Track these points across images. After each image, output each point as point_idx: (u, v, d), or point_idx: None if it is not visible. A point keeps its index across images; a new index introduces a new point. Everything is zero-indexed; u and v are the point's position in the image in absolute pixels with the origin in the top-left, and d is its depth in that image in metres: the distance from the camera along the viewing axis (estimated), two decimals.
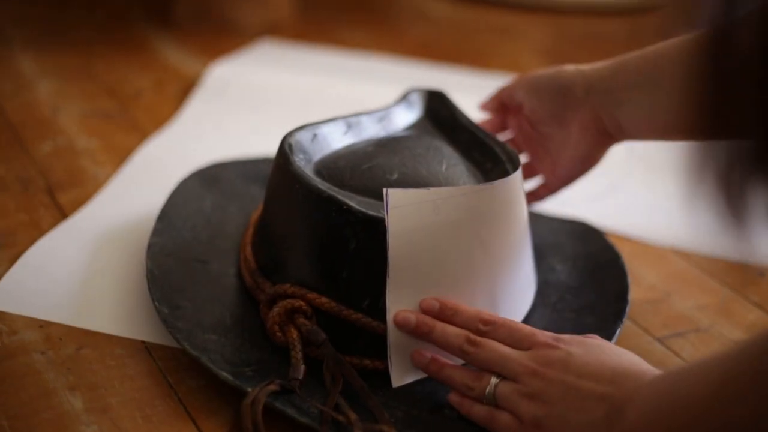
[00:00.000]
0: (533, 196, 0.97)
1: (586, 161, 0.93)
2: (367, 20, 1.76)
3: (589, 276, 0.93)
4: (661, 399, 0.65)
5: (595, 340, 0.73)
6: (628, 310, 0.88)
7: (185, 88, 1.39)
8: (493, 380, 0.73)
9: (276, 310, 0.79)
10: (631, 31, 1.77)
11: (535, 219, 1.02)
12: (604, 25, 1.80)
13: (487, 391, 0.73)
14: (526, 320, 0.87)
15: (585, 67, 0.90)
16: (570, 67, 0.91)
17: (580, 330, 0.83)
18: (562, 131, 0.91)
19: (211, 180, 1.04)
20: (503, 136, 0.98)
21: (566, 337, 0.73)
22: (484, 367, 0.74)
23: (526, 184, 0.94)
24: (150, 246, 0.91)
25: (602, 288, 0.91)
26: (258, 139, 1.20)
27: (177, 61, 1.49)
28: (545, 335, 0.74)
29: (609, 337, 0.83)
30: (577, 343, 0.72)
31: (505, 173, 0.84)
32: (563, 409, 0.69)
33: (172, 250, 0.91)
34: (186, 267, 0.90)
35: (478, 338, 0.75)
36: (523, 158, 0.97)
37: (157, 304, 0.83)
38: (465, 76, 1.51)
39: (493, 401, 0.73)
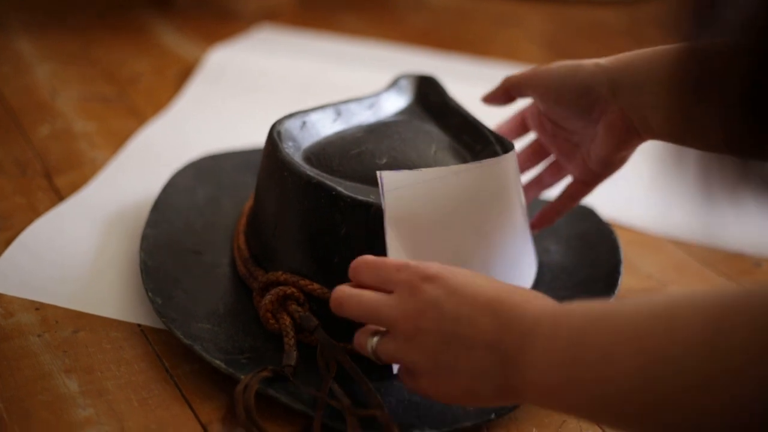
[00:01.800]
0: (568, 198, 0.91)
1: (616, 160, 0.86)
2: (365, 7, 1.76)
3: (583, 254, 0.94)
4: (566, 351, 0.59)
5: (463, 272, 0.67)
6: (620, 281, 0.88)
7: (184, 72, 1.38)
8: (373, 340, 0.69)
9: (268, 297, 0.79)
10: (631, 20, 1.77)
11: (532, 203, 1.03)
12: (603, 14, 1.79)
13: (369, 351, 0.70)
14: None
15: (603, 61, 0.82)
16: (588, 62, 0.83)
17: None
18: (587, 129, 0.85)
19: (204, 171, 1.04)
20: (525, 140, 0.94)
21: (433, 269, 0.67)
22: (361, 322, 0.71)
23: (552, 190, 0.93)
24: (143, 237, 0.91)
25: (596, 264, 0.91)
26: (256, 124, 1.20)
27: (176, 46, 1.49)
28: (409, 271, 0.68)
29: None
30: (443, 280, 0.66)
31: (495, 154, 0.84)
32: (450, 358, 0.65)
33: (165, 242, 0.91)
34: (179, 258, 0.90)
35: (343, 292, 0.71)
36: (550, 159, 0.94)
37: (150, 294, 0.83)
38: (463, 63, 1.51)
39: (380, 360, 0.70)
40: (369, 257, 0.71)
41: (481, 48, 1.59)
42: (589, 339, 0.58)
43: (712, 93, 0.52)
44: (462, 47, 1.58)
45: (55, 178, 1.07)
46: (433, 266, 0.67)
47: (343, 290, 0.71)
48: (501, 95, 0.90)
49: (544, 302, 0.64)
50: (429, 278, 0.67)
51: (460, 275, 0.67)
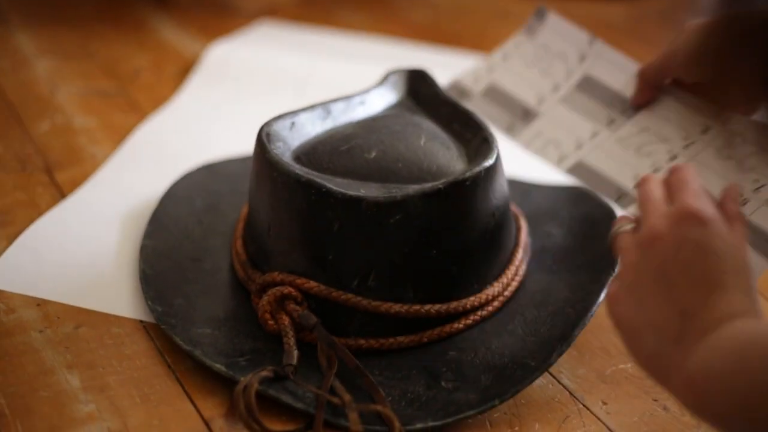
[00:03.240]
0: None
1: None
2: (365, 2, 1.76)
3: (584, 236, 0.94)
4: (731, 356, 0.60)
5: (728, 238, 0.65)
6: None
7: (184, 68, 1.38)
8: (624, 227, 0.70)
9: (266, 298, 0.79)
10: (632, 16, 1.77)
11: (531, 189, 1.03)
12: (603, 9, 1.79)
13: (613, 231, 0.71)
14: (522, 286, 0.88)
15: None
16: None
17: (574, 287, 0.85)
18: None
19: (202, 181, 1.03)
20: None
21: (711, 216, 0.65)
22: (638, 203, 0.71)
23: None
24: (142, 248, 0.91)
25: (597, 244, 0.91)
26: (255, 119, 1.19)
27: (176, 41, 1.49)
28: (695, 202, 0.66)
29: (601, 288, 0.83)
30: (708, 231, 0.65)
31: (486, 141, 0.85)
32: (647, 293, 0.65)
33: (164, 251, 0.91)
34: (179, 266, 0.90)
35: (651, 181, 0.71)
36: None
37: (150, 303, 0.84)
38: (464, 59, 1.50)
39: (611, 245, 0.71)
40: (691, 173, 0.70)
41: (481, 43, 1.59)
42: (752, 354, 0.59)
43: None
44: (462, 42, 1.58)
45: (55, 174, 1.06)
46: (715, 215, 0.66)
47: (652, 179, 0.71)
48: (649, 92, 0.89)
49: (746, 303, 0.63)
50: (702, 221, 0.65)
51: (726, 239, 0.65)
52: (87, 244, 0.94)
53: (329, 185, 0.78)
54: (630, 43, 1.57)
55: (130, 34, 1.50)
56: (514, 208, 0.93)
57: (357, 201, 0.77)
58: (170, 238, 0.93)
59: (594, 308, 0.82)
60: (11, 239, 0.93)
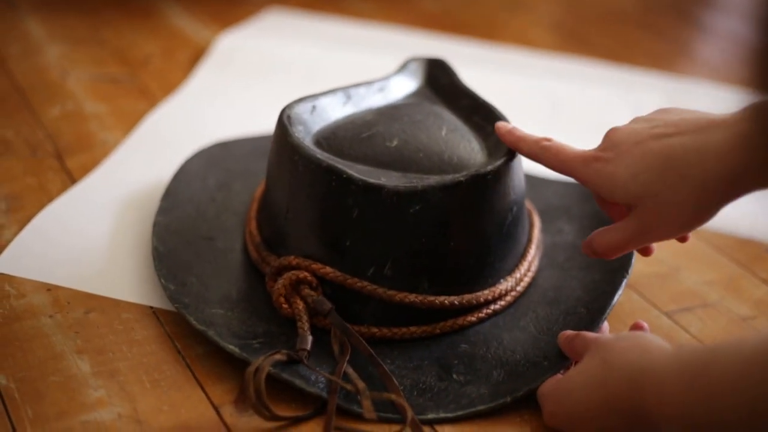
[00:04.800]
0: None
1: None
2: None
3: None
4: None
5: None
6: (633, 261, 0.87)
7: (194, 55, 1.38)
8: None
9: (281, 282, 0.79)
10: (643, 7, 1.76)
11: (542, 184, 1.02)
12: (616, 0, 1.79)
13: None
14: (534, 282, 0.87)
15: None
16: None
17: (586, 286, 0.85)
18: None
19: (215, 159, 1.03)
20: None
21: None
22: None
23: None
24: (155, 225, 0.91)
25: None
26: (265, 107, 1.20)
27: (186, 28, 1.48)
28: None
29: (614, 290, 0.83)
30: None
31: None
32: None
33: (177, 229, 0.91)
34: (192, 244, 0.90)
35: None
36: None
37: (163, 281, 0.83)
38: (474, 48, 1.50)
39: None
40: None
41: (491, 33, 1.59)
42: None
43: None
44: (472, 32, 1.57)
45: (66, 160, 1.06)
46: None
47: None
48: None
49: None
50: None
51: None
52: (97, 229, 0.94)
53: (350, 172, 0.78)
54: (641, 34, 1.57)
55: (141, 21, 1.50)
56: (527, 203, 0.92)
57: (377, 189, 0.77)
58: (183, 216, 0.93)
59: (608, 310, 0.82)
60: (22, 224, 0.93)
